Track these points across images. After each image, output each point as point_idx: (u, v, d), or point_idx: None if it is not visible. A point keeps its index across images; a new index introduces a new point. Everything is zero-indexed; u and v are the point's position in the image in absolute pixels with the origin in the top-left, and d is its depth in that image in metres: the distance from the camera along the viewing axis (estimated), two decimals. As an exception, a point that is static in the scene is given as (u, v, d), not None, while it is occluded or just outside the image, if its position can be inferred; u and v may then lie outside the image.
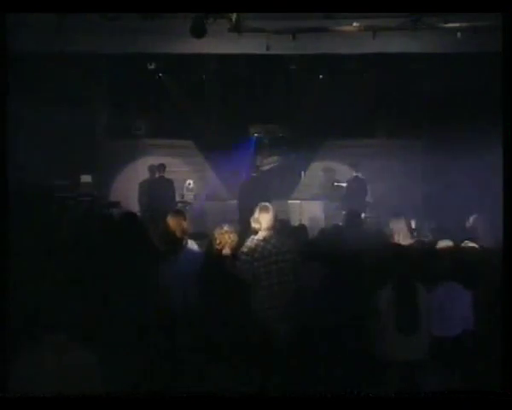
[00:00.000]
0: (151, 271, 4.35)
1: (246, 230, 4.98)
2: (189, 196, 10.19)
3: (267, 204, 4.66)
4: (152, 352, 3.84)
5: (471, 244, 5.01)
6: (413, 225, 6.42)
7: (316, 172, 10.91)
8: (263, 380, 3.80)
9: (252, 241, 4.50)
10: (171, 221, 4.76)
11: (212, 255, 4.58)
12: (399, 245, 5.05)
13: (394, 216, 5.74)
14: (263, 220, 4.50)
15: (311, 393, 2.41)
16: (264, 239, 4.48)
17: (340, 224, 6.57)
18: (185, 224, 4.81)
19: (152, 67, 9.58)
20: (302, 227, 6.01)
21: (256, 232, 4.55)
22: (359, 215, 6.55)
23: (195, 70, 9.89)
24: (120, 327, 3.79)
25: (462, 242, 5.03)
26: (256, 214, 4.55)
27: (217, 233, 4.56)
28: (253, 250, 4.42)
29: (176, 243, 4.70)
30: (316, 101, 10.20)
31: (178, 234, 4.71)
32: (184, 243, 4.75)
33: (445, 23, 6.96)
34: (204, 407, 2.36)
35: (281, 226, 5.07)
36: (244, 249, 4.46)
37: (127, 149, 10.46)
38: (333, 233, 5.61)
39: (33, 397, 2.37)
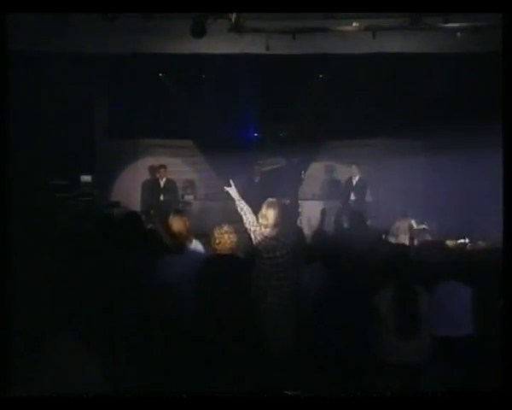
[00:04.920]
0: (154, 271, 4.35)
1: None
2: (188, 196, 10.19)
3: (273, 200, 4.59)
4: (153, 352, 3.84)
5: (471, 244, 5.02)
6: (413, 226, 6.42)
7: (317, 171, 10.91)
8: (264, 379, 3.80)
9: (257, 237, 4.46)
10: (176, 221, 4.75)
11: (211, 255, 4.58)
12: (400, 245, 5.05)
13: (395, 217, 5.75)
14: (269, 216, 4.45)
15: (310, 393, 2.41)
16: (270, 235, 4.44)
17: (342, 224, 6.57)
18: (189, 223, 4.81)
19: (152, 67, 9.57)
20: (303, 227, 6.01)
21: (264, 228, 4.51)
22: (361, 215, 6.54)
23: (195, 70, 9.88)
24: (122, 327, 3.79)
25: (463, 242, 5.04)
26: (263, 210, 4.49)
27: (216, 233, 4.55)
28: (257, 246, 4.40)
29: (181, 242, 4.69)
30: (316, 100, 10.21)
31: (183, 234, 4.71)
32: (189, 242, 4.75)
33: (445, 23, 6.97)
34: (204, 407, 2.36)
35: (286, 223, 5.02)
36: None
37: (127, 149, 10.45)
38: (334, 233, 5.63)
39: (35, 397, 2.36)
